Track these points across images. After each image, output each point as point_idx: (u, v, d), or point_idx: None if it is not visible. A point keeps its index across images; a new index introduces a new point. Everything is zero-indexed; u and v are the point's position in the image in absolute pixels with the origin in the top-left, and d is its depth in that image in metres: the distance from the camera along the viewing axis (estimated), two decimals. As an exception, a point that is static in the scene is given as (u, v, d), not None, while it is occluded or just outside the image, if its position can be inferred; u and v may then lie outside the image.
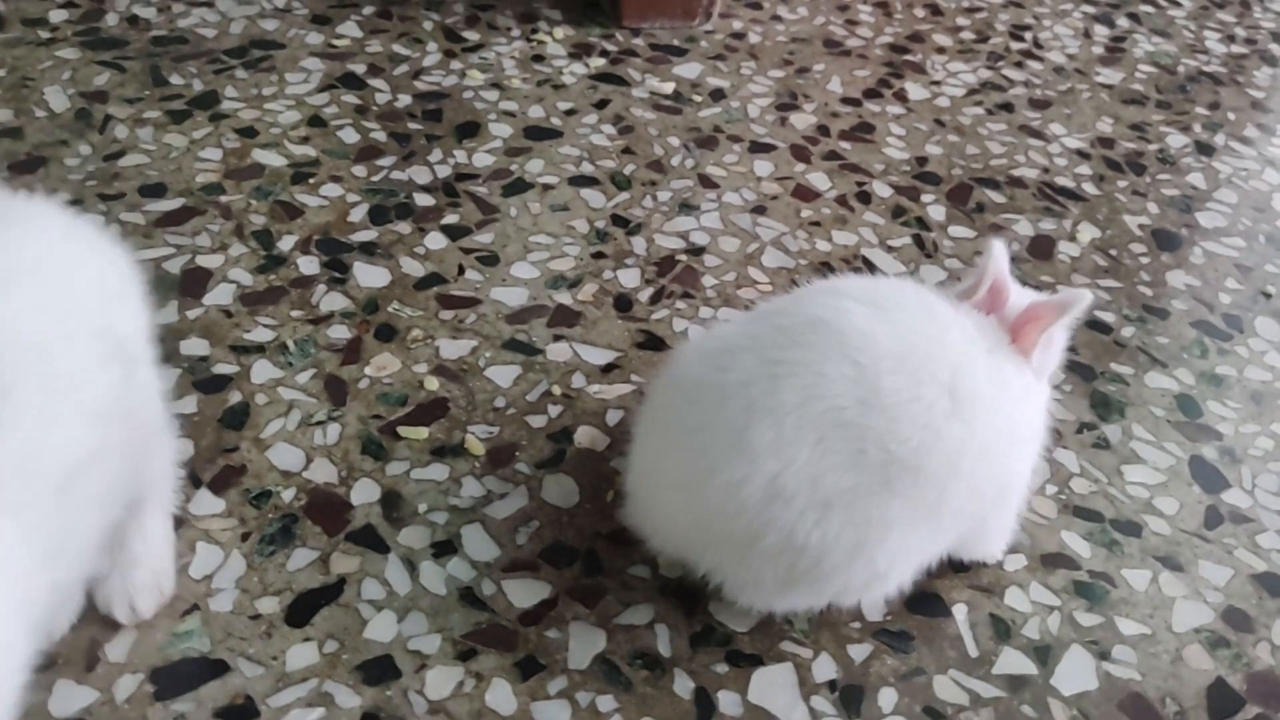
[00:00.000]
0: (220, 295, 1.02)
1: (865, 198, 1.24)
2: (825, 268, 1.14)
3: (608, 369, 1.01)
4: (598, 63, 1.38)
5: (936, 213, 1.24)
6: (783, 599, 0.80)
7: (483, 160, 1.21)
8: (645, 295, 1.09)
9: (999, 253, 0.82)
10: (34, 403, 0.58)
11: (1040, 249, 1.20)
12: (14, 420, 0.56)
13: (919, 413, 0.74)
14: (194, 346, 0.97)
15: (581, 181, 1.20)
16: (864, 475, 0.73)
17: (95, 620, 0.77)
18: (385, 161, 1.19)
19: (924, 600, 0.86)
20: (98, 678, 0.75)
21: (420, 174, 1.18)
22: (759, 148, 1.29)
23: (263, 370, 0.96)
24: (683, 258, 1.13)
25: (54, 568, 0.58)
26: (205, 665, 0.76)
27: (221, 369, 0.96)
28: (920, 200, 1.25)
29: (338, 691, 0.76)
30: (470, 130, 1.25)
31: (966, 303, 0.82)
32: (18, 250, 0.62)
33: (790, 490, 0.72)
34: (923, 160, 1.31)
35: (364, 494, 0.88)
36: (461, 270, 1.08)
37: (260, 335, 0.99)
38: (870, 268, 1.15)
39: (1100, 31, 1.61)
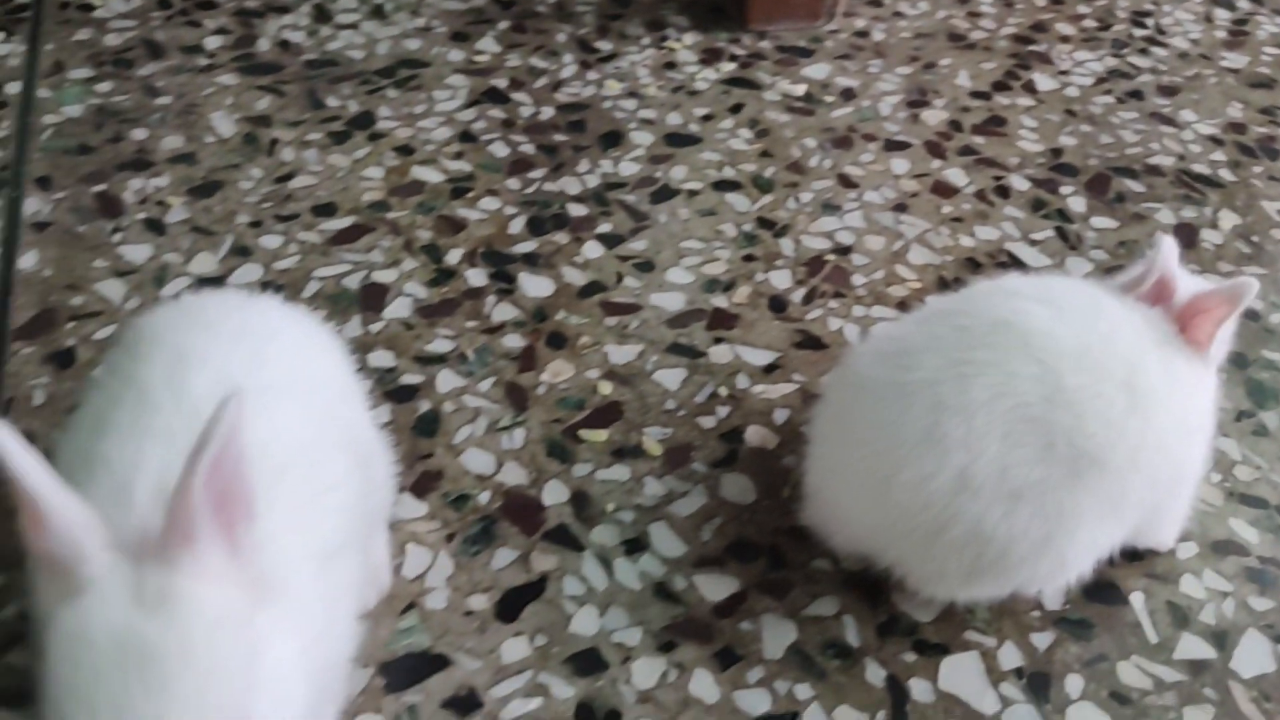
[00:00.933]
0: (399, 309, 1.08)
1: (1004, 192, 1.26)
2: (971, 263, 1.16)
3: (769, 369, 1.05)
4: (728, 67, 1.41)
5: (1077, 204, 1.25)
6: (966, 590, 0.83)
7: (628, 169, 1.25)
8: (798, 296, 1.12)
9: (1168, 248, 0.84)
10: (307, 501, 0.66)
11: (1184, 237, 1.21)
12: (297, 513, 0.64)
13: (1101, 409, 0.77)
14: (380, 359, 1.02)
15: (725, 186, 1.24)
16: (1053, 468, 0.76)
17: (323, 618, 0.83)
18: (536, 174, 1.24)
19: (1101, 589, 0.89)
20: (332, 672, 0.80)
21: (570, 185, 1.23)
22: (894, 145, 1.31)
23: (447, 379, 1.01)
24: (831, 257, 1.16)
25: (318, 643, 0.64)
26: (428, 659, 0.82)
27: (408, 379, 1.01)
28: (1059, 192, 1.26)
29: (552, 683, 0.81)
30: (613, 140, 1.29)
31: (1132, 296, 0.84)
32: (283, 362, 0.69)
33: (978, 482, 0.76)
34: (1058, 152, 1.32)
35: (554, 495, 0.93)
36: (620, 278, 1.13)
37: (440, 346, 1.04)
38: (1016, 262, 1.17)
39: (1221, 15, 1.59)
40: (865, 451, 0.79)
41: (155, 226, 1.14)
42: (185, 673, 0.52)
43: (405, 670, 0.81)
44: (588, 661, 0.83)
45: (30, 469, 0.53)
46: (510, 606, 0.85)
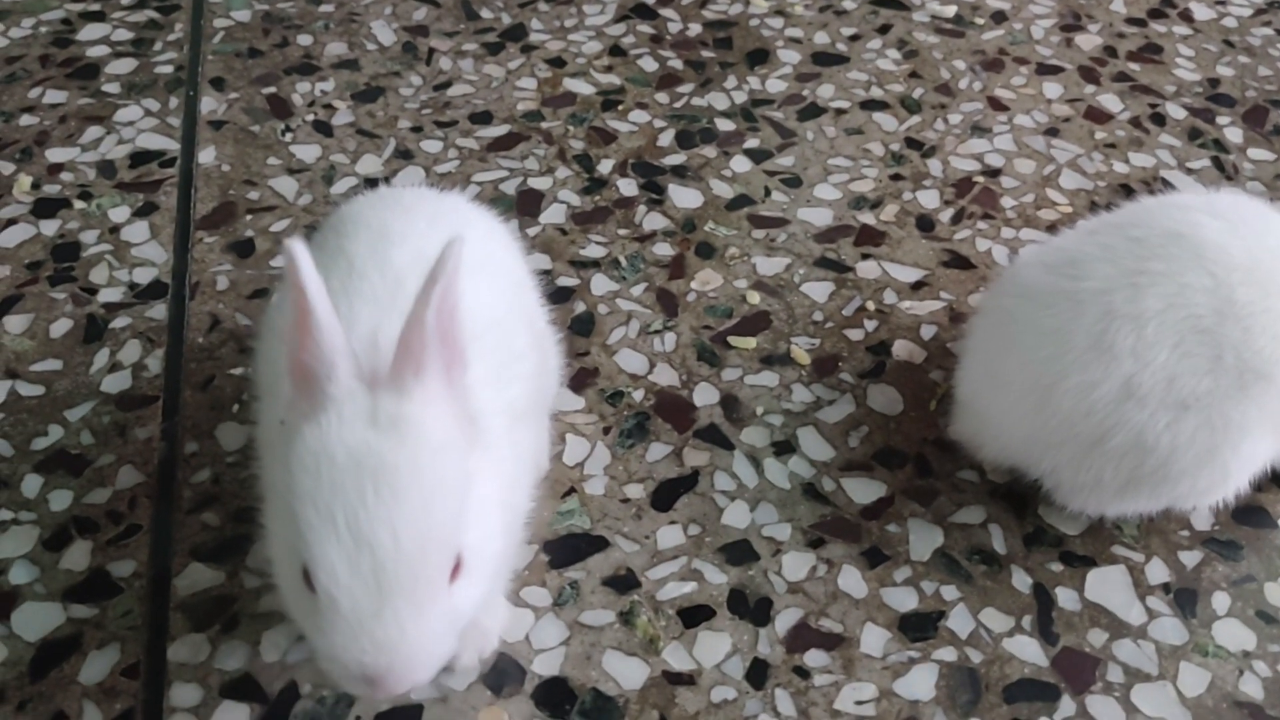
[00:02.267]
0: (554, 215, 1.11)
1: (1159, 120, 1.24)
2: (1125, 190, 1.15)
3: (917, 286, 1.06)
4: (875, -12, 1.40)
5: (1234, 135, 1.22)
6: (1119, 503, 0.84)
7: (775, 86, 1.26)
8: (946, 216, 1.12)
9: None
10: (499, 366, 0.71)
11: (1348, 171, 1.17)
12: (492, 374, 0.69)
13: (1269, 324, 0.78)
14: (538, 261, 1.06)
15: (872, 106, 1.24)
16: (1222, 379, 0.77)
17: (489, 499, 0.88)
18: (684, 89, 1.25)
19: (1249, 512, 0.89)
20: (499, 547, 0.85)
21: (718, 100, 1.24)
22: (1046, 70, 1.29)
23: (600, 283, 1.05)
24: (980, 179, 1.16)
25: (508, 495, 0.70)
26: (588, 540, 0.86)
27: (564, 282, 1.05)
28: (1216, 122, 1.23)
29: (705, 569, 0.85)
30: (760, 57, 1.29)
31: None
32: (473, 246, 0.74)
33: (1145, 390, 0.77)
34: (1215, 82, 1.29)
35: (705, 397, 0.96)
36: (768, 192, 1.14)
37: (594, 251, 1.08)
38: (1171, 190, 1.15)
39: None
40: (1029, 358, 0.80)
41: (323, 128, 1.18)
42: (413, 488, 0.57)
43: (567, 549, 0.85)
44: (739, 552, 0.86)
45: (315, 283, 0.58)
46: (664, 497, 0.89)
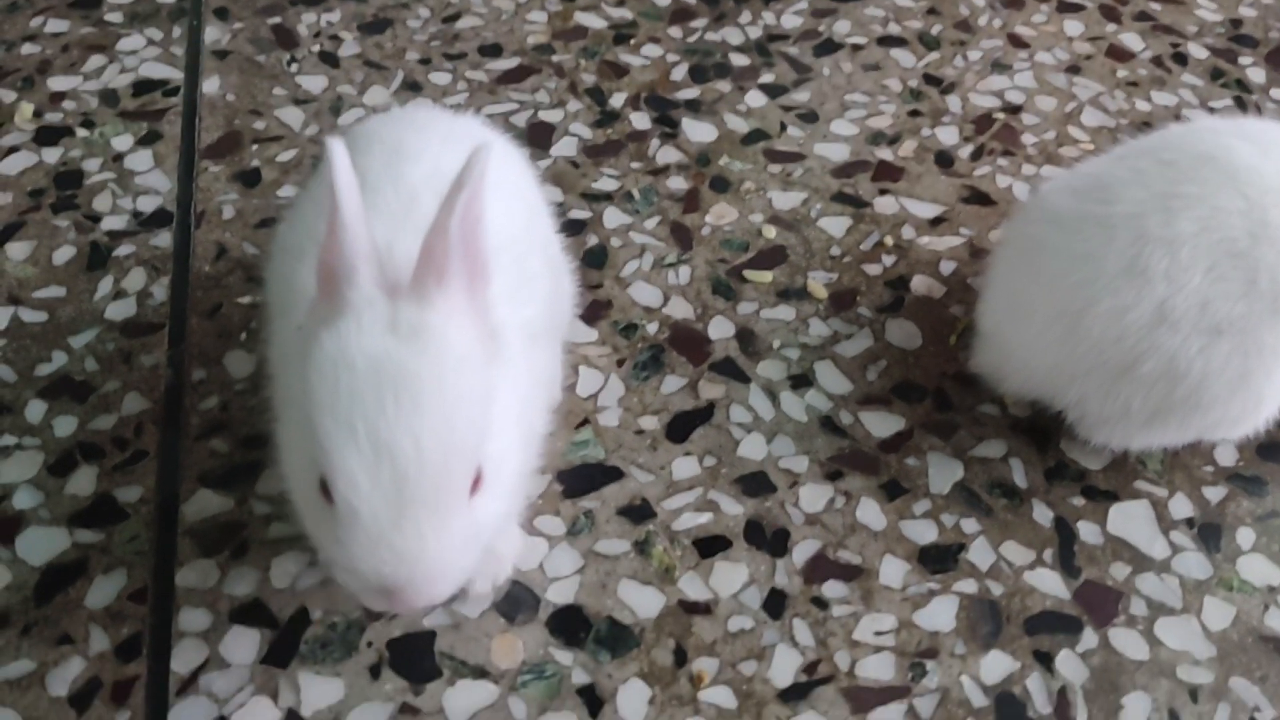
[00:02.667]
0: (565, 148, 1.09)
1: (1181, 59, 1.21)
2: (1147, 128, 1.13)
3: (935, 222, 1.04)
4: (893, -75, 1.37)
5: (1256, 75, 1.20)
6: (1146, 434, 0.82)
7: (791, 21, 1.23)
8: (965, 152, 1.10)
9: None
10: (517, 284, 0.69)
11: (1375, 111, 1.15)
12: (509, 291, 0.67)
13: (1303, 247, 0.76)
14: (549, 193, 1.04)
15: (890, 41, 1.21)
16: (1256, 304, 0.75)
17: (501, 429, 0.86)
18: (698, 23, 1.23)
19: (1275, 448, 0.87)
20: (511, 477, 0.84)
21: (732, 35, 1.21)
22: (1067, 7, 1.26)
23: (613, 216, 1.03)
24: (1000, 116, 1.14)
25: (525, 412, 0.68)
26: (602, 470, 0.85)
27: (576, 214, 1.03)
28: (1238, 63, 1.21)
29: (722, 500, 0.83)
30: (775, -8, 1.27)
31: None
32: (492, 168, 0.72)
33: (1178, 315, 0.75)
34: (1237, 22, 1.26)
35: (720, 330, 0.94)
36: (783, 127, 1.12)
37: (606, 184, 1.05)
38: (1194, 128, 1.13)
39: None
40: (1058, 285, 0.78)
41: (329, 59, 1.16)
42: (435, 398, 0.55)
43: (582, 478, 0.84)
44: (756, 483, 0.84)
45: (349, 182, 0.57)
46: (679, 428, 0.87)
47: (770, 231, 1.02)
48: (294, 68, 1.15)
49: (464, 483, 0.57)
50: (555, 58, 1.18)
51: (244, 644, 0.74)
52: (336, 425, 0.55)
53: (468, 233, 0.58)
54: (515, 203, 0.75)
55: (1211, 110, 1.16)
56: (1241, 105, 1.16)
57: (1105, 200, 0.79)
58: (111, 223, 1.00)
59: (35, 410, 0.86)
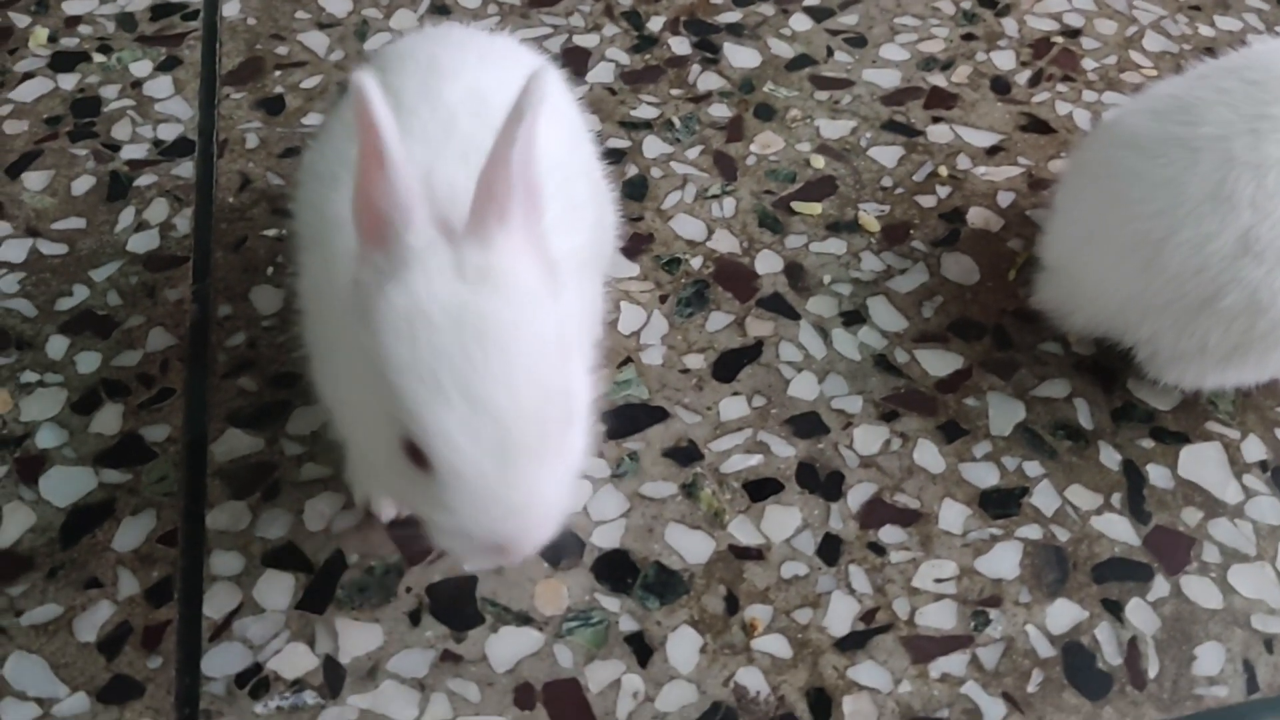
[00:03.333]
0: (602, 74, 1.04)
1: (1250, -21, 1.15)
2: (1211, 54, 1.07)
3: (992, 151, 0.98)
4: None
5: (1330, -4, 1.13)
6: (1219, 373, 0.78)
7: (837, -59, 1.17)
8: (1023, 78, 1.05)
9: None
10: (563, 212, 0.64)
11: None
12: (557, 220, 0.61)
13: (1396, 177, 0.71)
14: (587, 122, 0.99)
15: (941, -37, 1.16)
16: (1346, 237, 0.70)
17: (540, 367, 0.83)
18: (739, -57, 1.17)
19: (1354, 389, 0.83)
20: (552, 417, 0.80)
21: (775, -45, 1.16)
22: (1128, -74, 1.20)
23: (653, 145, 0.98)
24: (1058, 39, 1.08)
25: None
26: (647, 411, 0.81)
27: (614, 143, 0.98)
28: (1311, -17, 1.15)
29: (772, 441, 0.80)
30: (820, -89, 1.20)
31: None
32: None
33: (1263, 244, 0.70)
34: (1309, -60, 1.19)
35: (767, 264, 0.90)
36: (830, 52, 1.06)
37: (646, 112, 1.00)
38: (1264, 53, 1.07)
39: None
40: (1136, 213, 0.73)
41: (354, -19, 1.11)
42: (520, 342, 0.52)
43: (625, 419, 0.80)
44: (808, 424, 0.81)
45: (388, 119, 0.52)
46: (727, 367, 0.84)
47: (819, 161, 0.97)
48: (317, -10, 1.10)
49: (560, 426, 0.53)
50: (589, -21, 1.12)
51: (278, 588, 0.71)
52: (422, 385, 0.51)
53: (525, 163, 0.54)
54: (558, 127, 0.70)
55: (1279, 35, 1.10)
56: (1312, 29, 1.10)
57: (1189, 122, 0.74)
58: (131, 151, 0.96)
59: (57, 346, 0.83)
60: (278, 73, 1.02)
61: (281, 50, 1.04)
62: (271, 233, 0.90)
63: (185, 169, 0.94)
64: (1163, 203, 0.73)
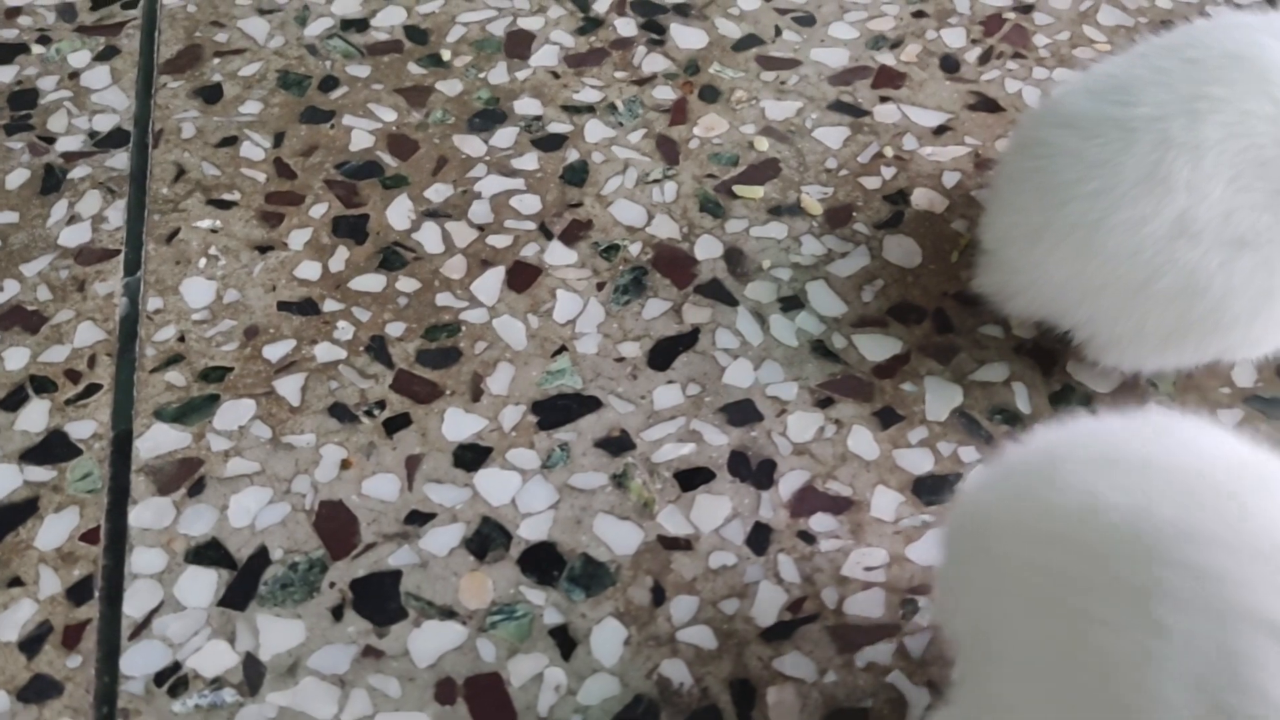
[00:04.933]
0: (545, 57, 1.02)
1: (1209, -49, 1.13)
2: (1167, 25, 1.05)
3: (939, 131, 0.97)
4: None
5: (1291, -34, 1.12)
6: (1159, 355, 0.77)
7: (789, -82, 1.16)
8: (972, 55, 1.03)
9: None
10: None
11: None
12: None
13: (1336, 156, 0.70)
14: (527, 106, 0.98)
15: (894, -62, 1.14)
16: (1281, 217, 0.69)
17: (474, 358, 0.82)
18: (689, -79, 1.15)
19: (1298, 369, 0.82)
20: (484, 407, 0.79)
21: (726, -67, 1.14)
22: (1086, -102, 1.18)
23: (595, 129, 0.97)
24: (1010, 15, 1.06)
25: None
26: (580, 400, 0.80)
27: (556, 128, 0.97)
28: (1272, -47, 1.13)
29: (705, 430, 0.79)
30: (773, -113, 1.18)
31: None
32: None
33: (1199, 226, 0.69)
34: (1272, -91, 1.17)
35: (707, 249, 0.89)
36: (778, 31, 1.05)
37: (588, 96, 0.99)
38: (1220, 26, 1.05)
39: None
40: (1072, 194, 0.72)
41: (295, -34, 1.09)
42: None
43: (556, 409, 0.79)
44: (742, 412, 0.80)
45: None
46: (662, 355, 0.83)
47: (763, 144, 0.96)
48: (258, -24, 1.08)
49: None
50: (536, -39, 1.11)
51: (200, 585, 0.71)
52: None
53: None
54: None
55: (1239, 6, 1.08)
56: (1271, 0, 1.08)
57: (1125, 102, 0.72)
58: (67, 144, 0.95)
59: (-15, 343, 0.82)
60: (216, 60, 1.01)
61: (221, 37, 1.03)
62: (205, 224, 0.89)
63: (120, 160, 0.93)
64: (1099, 184, 0.72)
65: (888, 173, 0.94)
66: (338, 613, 0.70)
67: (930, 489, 0.76)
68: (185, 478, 0.75)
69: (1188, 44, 0.74)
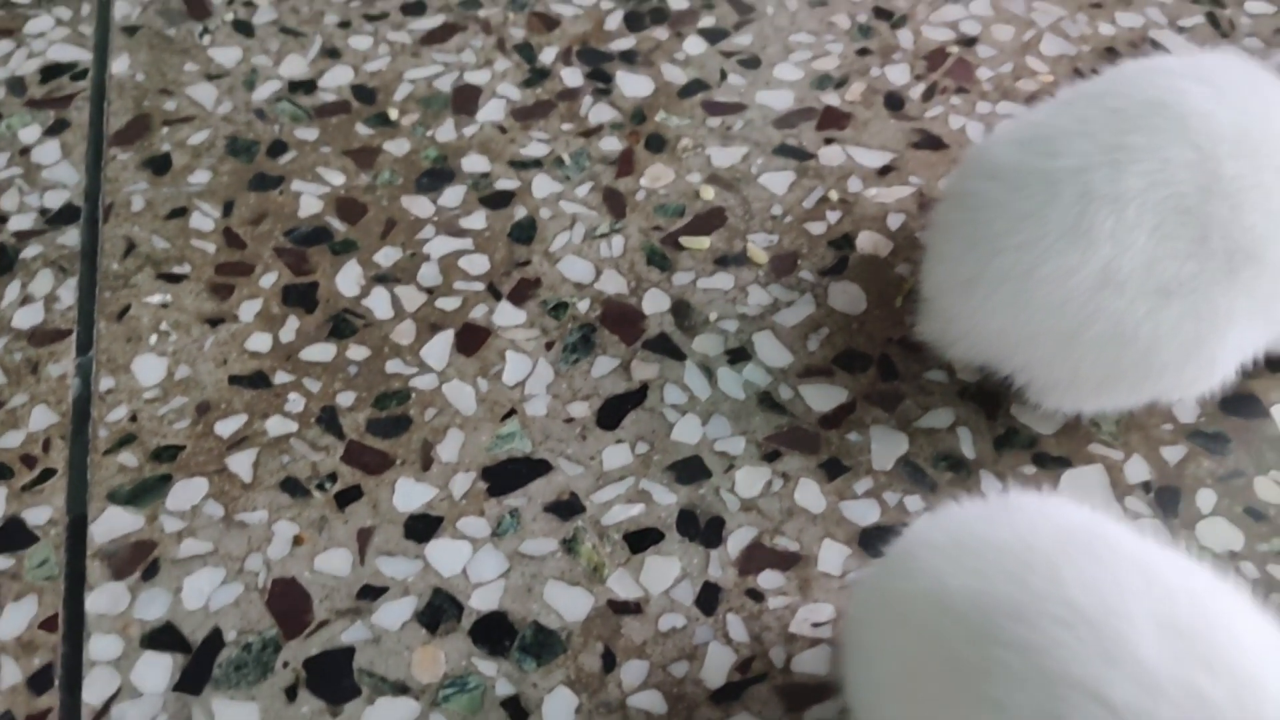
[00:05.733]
0: (492, 111, 1.03)
1: (1150, -26, 1.14)
2: (1110, 54, 1.06)
3: (884, 171, 0.98)
4: None
5: (1232, -14, 1.12)
6: (1098, 398, 0.78)
7: (733, -43, 1.16)
8: (916, 92, 1.04)
9: None
10: None
11: (1357, 21, 1.08)
12: None
13: (1259, 200, 0.71)
14: (474, 163, 0.99)
15: (838, -26, 1.15)
16: (1207, 263, 0.70)
17: (424, 425, 0.83)
18: (634, -35, 1.16)
19: (1240, 401, 0.83)
20: (434, 476, 0.80)
21: (671, -24, 1.15)
22: (1028, -75, 1.19)
23: (543, 184, 0.97)
24: (954, 49, 1.07)
25: None
26: (529, 464, 0.81)
27: (503, 184, 0.97)
28: (1212, -27, 1.14)
29: (654, 489, 0.80)
30: (716, -74, 1.19)
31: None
32: None
33: (1123, 275, 0.70)
34: (1213, -73, 1.18)
35: (655, 304, 0.90)
36: (724, 75, 1.06)
37: (536, 150, 1.00)
38: (1161, 51, 1.06)
39: None
40: (1001, 246, 0.73)
41: (243, 28, 1.10)
42: None
43: (507, 475, 0.80)
44: (690, 469, 0.81)
45: None
46: (611, 414, 0.84)
47: (708, 192, 0.97)
48: (206, 39, 1.09)
49: None
50: (482, 12, 1.11)
51: (156, 671, 0.72)
52: None
53: None
54: None
55: (1181, 30, 1.08)
56: (1214, 22, 1.09)
57: (1049, 153, 0.73)
58: (19, 222, 0.96)
59: (-60, 430, 0.83)
60: (165, 129, 1.02)
61: (169, 105, 1.03)
62: (155, 299, 0.90)
63: (71, 237, 0.94)
64: (1026, 236, 0.73)
65: (833, 217, 0.95)
66: (291, 693, 0.71)
67: (877, 540, 0.77)
68: (139, 561, 0.76)
69: (1110, 92, 0.75)
